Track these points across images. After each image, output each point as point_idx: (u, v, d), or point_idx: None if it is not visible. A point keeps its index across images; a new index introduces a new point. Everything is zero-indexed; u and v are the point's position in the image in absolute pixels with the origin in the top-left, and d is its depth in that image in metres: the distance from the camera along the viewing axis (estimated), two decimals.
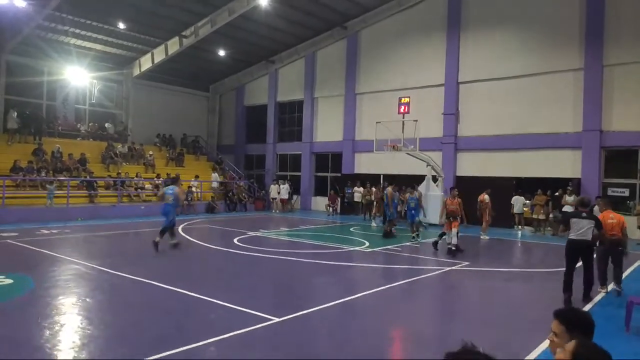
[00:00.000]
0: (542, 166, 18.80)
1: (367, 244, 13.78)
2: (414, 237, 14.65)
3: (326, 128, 26.10)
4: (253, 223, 18.90)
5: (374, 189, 20.25)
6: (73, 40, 22.24)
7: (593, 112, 17.64)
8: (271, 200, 25.17)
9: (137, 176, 22.35)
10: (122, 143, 24.53)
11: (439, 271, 10.21)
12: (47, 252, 10.94)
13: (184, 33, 22.95)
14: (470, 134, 20.74)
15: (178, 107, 28.76)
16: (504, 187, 18.52)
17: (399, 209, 16.83)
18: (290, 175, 27.64)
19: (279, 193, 24.74)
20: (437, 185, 19.27)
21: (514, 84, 19.63)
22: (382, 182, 22.13)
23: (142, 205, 20.84)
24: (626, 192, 17.27)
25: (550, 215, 17.49)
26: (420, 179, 18.99)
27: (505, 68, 19.70)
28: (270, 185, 25.85)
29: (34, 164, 19.31)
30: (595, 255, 8.28)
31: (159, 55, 24.61)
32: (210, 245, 12.77)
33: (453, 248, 11.98)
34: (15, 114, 20.98)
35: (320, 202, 25.78)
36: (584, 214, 7.94)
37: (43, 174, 19.02)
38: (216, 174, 24.78)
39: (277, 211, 24.41)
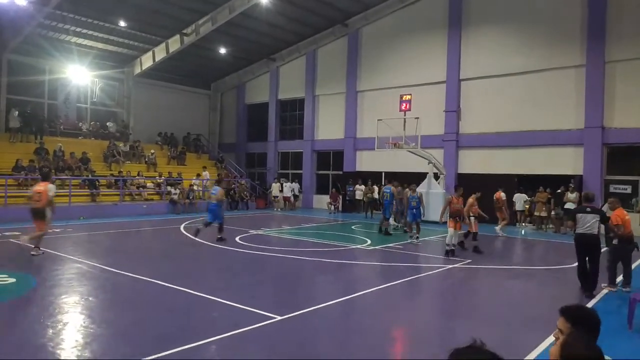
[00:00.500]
0: (543, 163, 18.77)
1: (369, 242, 13.78)
2: (411, 237, 14.08)
3: (327, 126, 26.08)
4: (255, 221, 18.91)
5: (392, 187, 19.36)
6: (74, 39, 22.25)
7: (595, 109, 17.59)
8: (273, 198, 25.18)
9: (138, 175, 22.38)
10: (123, 142, 24.55)
11: (441, 269, 10.20)
12: (49, 251, 10.95)
13: (184, 31, 22.94)
14: (471, 132, 20.71)
15: (179, 106, 28.76)
16: (505, 185, 18.47)
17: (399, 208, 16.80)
18: (292, 174, 27.65)
19: (280, 191, 24.76)
20: (438, 183, 19.26)
21: (515, 81, 19.58)
22: (383, 179, 22.11)
23: (144, 204, 20.87)
24: (628, 189, 17.24)
25: (553, 213, 17.48)
26: (422, 176, 18.98)
27: (506, 65, 19.64)
28: (272, 183, 25.85)
29: (35, 163, 19.34)
30: (608, 254, 8.28)
31: (160, 53, 24.61)
32: (212, 244, 12.78)
33: (452, 248, 11.46)
34: (17, 113, 21.00)
35: (321, 200, 25.78)
36: (588, 209, 8.08)
37: None
38: (207, 172, 24.57)
39: (279, 209, 24.42)
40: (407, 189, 15.53)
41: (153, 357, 4.80)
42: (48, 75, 23.37)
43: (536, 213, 17.99)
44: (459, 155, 21.13)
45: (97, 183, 20.41)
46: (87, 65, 23.86)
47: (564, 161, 18.39)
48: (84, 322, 5.98)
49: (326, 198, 24.92)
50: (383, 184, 20.04)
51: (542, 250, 14.15)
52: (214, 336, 5.46)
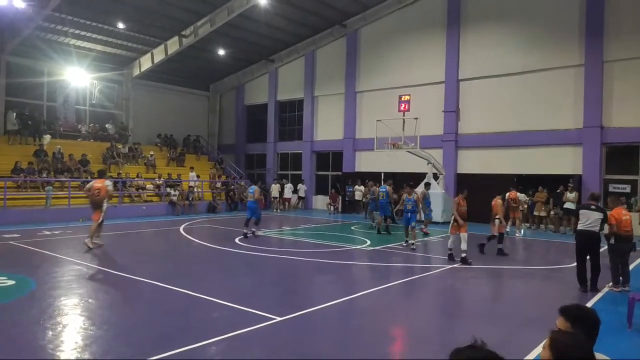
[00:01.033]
0: (542, 163, 18.78)
1: (369, 242, 13.79)
2: (406, 242, 12.98)
3: (327, 127, 26.09)
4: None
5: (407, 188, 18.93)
6: (73, 41, 22.23)
7: (593, 108, 17.61)
8: (272, 199, 25.19)
9: (137, 176, 22.36)
10: (122, 143, 24.54)
11: (441, 269, 10.20)
12: (48, 253, 10.95)
13: (183, 32, 22.94)
14: (470, 132, 20.73)
15: (178, 107, 28.75)
16: (504, 185, 18.48)
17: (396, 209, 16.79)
18: (291, 174, 27.65)
19: (279, 192, 24.77)
20: (438, 183, 19.26)
21: (514, 80, 19.60)
22: (382, 180, 22.11)
23: (143, 206, 20.85)
24: (627, 189, 17.25)
25: (552, 212, 17.49)
26: (421, 176, 18.98)
27: (505, 65, 19.66)
28: (271, 184, 25.86)
29: (34, 165, 19.33)
30: (608, 254, 8.33)
31: (159, 55, 24.61)
32: (212, 245, 12.78)
33: (464, 255, 10.63)
34: (15, 114, 20.98)
35: (321, 201, 25.79)
36: (593, 207, 8.26)
37: (44, 175, 19.04)
38: (194, 174, 24.37)
39: (278, 210, 24.42)
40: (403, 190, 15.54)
41: (153, 358, 4.80)
42: (47, 77, 23.34)
43: (535, 213, 18.00)
44: (458, 155, 21.15)
45: None
46: (85, 67, 23.85)
47: (563, 161, 18.40)
48: (84, 324, 5.98)
49: (326, 199, 24.93)
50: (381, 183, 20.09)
51: (542, 249, 14.15)
52: (214, 337, 5.46)
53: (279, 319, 6.22)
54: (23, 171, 18.55)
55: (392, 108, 19.75)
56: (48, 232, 14.48)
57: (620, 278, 8.36)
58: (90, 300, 7.20)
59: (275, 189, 24.95)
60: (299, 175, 27.03)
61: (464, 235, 10.64)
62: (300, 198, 25.75)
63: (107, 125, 25.25)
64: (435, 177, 19.43)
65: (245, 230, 14.22)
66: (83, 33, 21.66)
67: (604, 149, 17.76)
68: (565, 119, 18.37)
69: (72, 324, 5.99)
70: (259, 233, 14.67)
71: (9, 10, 18.07)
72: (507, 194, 15.65)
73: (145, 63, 25.46)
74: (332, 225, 18.61)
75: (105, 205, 11.52)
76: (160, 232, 16.15)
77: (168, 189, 21.98)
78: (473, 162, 20.65)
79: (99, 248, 11.42)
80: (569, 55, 18.29)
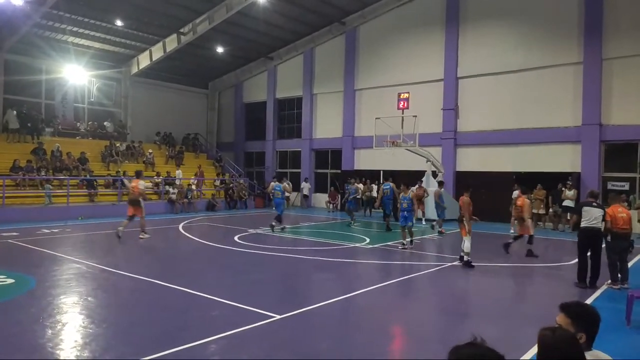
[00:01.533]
0: (541, 161, 18.79)
1: (368, 240, 13.80)
2: (404, 244, 12.34)
3: (326, 124, 26.08)
4: (253, 221, 18.90)
5: (416, 186, 17.59)
6: (71, 39, 22.19)
7: (592, 106, 17.62)
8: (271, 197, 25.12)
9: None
10: (121, 141, 24.50)
11: (440, 267, 10.21)
12: (48, 251, 10.94)
13: (182, 30, 22.89)
14: (469, 129, 20.72)
15: (177, 105, 28.71)
16: (503, 183, 18.52)
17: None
18: (290, 172, 27.64)
19: None
20: (437, 181, 19.24)
21: (513, 78, 19.59)
22: (381, 178, 22.15)
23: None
24: (626, 186, 17.26)
25: (550, 210, 17.51)
26: (420, 174, 18.99)
27: (504, 62, 19.66)
28: (270, 182, 25.79)
29: (33, 163, 19.30)
30: (605, 250, 8.37)
31: (157, 52, 24.55)
32: (211, 243, 12.78)
33: (468, 259, 10.12)
34: (15, 112, 20.95)
35: (320, 199, 25.79)
36: (594, 203, 8.38)
37: (43, 173, 19.02)
38: (180, 171, 24.19)
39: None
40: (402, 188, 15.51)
41: (152, 356, 4.80)
42: (45, 75, 23.30)
43: (534, 210, 17.98)
44: (457, 153, 21.15)
45: (95, 183, 20.38)
46: (84, 65, 23.81)
47: (562, 158, 18.42)
48: (83, 322, 5.98)
49: (325, 197, 24.93)
50: (381, 182, 20.13)
51: (541, 247, 14.14)
52: (213, 335, 5.46)
53: (278, 317, 6.23)
54: (22, 169, 18.53)
55: (391, 106, 19.75)
56: (47, 231, 14.47)
57: (619, 275, 8.38)
58: (89, 299, 7.20)
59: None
60: (298, 174, 27.02)
61: (468, 237, 10.18)
62: (305, 196, 25.63)
63: (105, 123, 25.21)
64: (434, 175, 19.43)
65: (281, 226, 15.43)
66: (81, 30, 21.61)
67: (602, 146, 17.77)
68: (564, 116, 18.38)
69: (71, 323, 5.99)
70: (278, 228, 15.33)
71: (7, 7, 18.01)
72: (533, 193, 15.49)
73: (144, 61, 25.40)
74: (331, 223, 18.61)
75: (142, 202, 13.12)
76: (159, 230, 16.13)
77: (167, 187, 21.96)
78: (472, 160, 20.66)
79: (144, 239, 12.88)
80: (567, 52, 18.28)
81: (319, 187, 26.75)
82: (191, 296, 7.29)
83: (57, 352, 5.00)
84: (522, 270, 10.27)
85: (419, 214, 17.37)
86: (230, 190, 24.56)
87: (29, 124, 21.32)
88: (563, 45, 18.41)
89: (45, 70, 23.20)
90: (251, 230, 15.40)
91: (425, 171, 19.20)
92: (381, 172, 22.71)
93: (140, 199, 13.05)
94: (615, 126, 17.37)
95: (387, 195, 16.00)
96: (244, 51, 27.10)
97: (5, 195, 17.10)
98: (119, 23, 21.36)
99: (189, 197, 22.19)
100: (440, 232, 15.45)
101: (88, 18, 20.60)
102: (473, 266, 9.94)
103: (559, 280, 9.32)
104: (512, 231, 15.70)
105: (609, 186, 17.31)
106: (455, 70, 21.05)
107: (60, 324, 5.92)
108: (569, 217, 16.38)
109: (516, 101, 19.43)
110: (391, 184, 16.36)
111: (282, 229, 15.38)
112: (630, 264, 10.31)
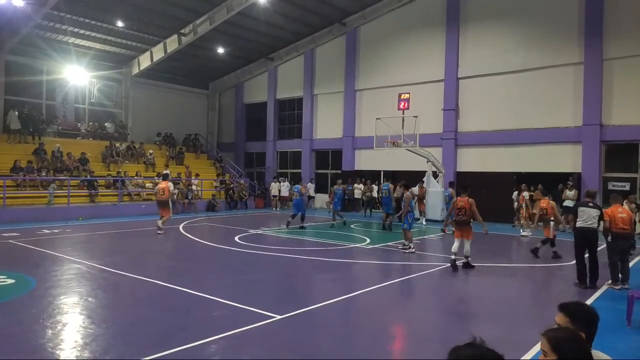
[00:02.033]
0: (542, 161, 18.79)
1: (368, 240, 13.79)
2: (404, 245, 12.12)
3: (326, 125, 26.08)
4: (254, 221, 18.90)
5: (418, 187, 17.63)
6: (72, 39, 22.21)
7: (593, 106, 17.61)
8: (271, 198, 25.18)
9: (137, 175, 22.35)
10: (121, 142, 24.52)
11: (440, 267, 10.20)
12: (48, 251, 10.95)
13: (182, 31, 22.91)
14: (470, 130, 20.72)
15: (177, 105, 28.72)
16: (504, 183, 18.54)
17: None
18: (291, 173, 27.64)
19: (279, 191, 24.75)
20: (437, 182, 19.27)
21: (513, 78, 19.59)
22: (382, 178, 22.15)
23: (142, 204, 20.85)
24: (627, 187, 17.25)
25: None
26: (420, 175, 18.99)
27: (504, 63, 19.65)
28: (271, 182, 25.84)
29: (34, 164, 19.32)
30: (606, 250, 8.36)
31: (158, 53, 24.57)
32: (212, 244, 12.78)
33: (469, 259, 9.96)
34: (17, 113, 20.97)
35: (320, 199, 25.78)
36: (590, 204, 8.34)
37: (43, 173, 19.03)
38: (168, 171, 23.84)
39: (278, 209, 24.41)
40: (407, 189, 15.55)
41: (152, 356, 4.81)
42: (46, 76, 23.31)
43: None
44: (457, 153, 21.14)
45: (96, 183, 20.39)
46: (85, 66, 23.82)
47: (563, 159, 18.41)
48: (83, 323, 5.98)
49: (325, 197, 24.90)
50: (382, 182, 20.14)
51: (542, 247, 14.12)
52: (214, 336, 5.46)
53: (278, 317, 6.23)
54: (22, 170, 18.54)
55: (391, 106, 19.75)
56: (47, 231, 14.48)
57: (620, 276, 8.37)
58: (89, 299, 7.20)
59: (275, 188, 24.93)
60: (299, 174, 27.02)
61: (467, 240, 9.93)
62: (310, 197, 25.48)
63: (106, 124, 25.23)
64: (435, 175, 19.43)
65: (301, 224, 16.31)
66: (82, 31, 21.63)
67: (603, 146, 17.77)
68: (564, 116, 18.37)
69: (71, 323, 5.99)
70: (304, 225, 16.29)
71: (8, 8, 18.03)
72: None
73: (145, 61, 25.42)
74: (331, 223, 18.57)
75: (170, 203, 14.39)
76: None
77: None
78: (472, 160, 20.65)
79: (161, 233, 13.94)
80: (568, 53, 18.28)
81: (320, 187, 26.73)
82: (192, 296, 7.30)
83: (58, 352, 5.01)
84: (522, 270, 10.26)
85: (418, 214, 17.37)
86: (231, 191, 24.57)
87: (29, 125, 21.34)
88: (564, 45, 18.41)
89: (46, 71, 23.22)
90: (252, 231, 15.40)
91: (426, 171, 19.20)
92: (381, 172, 22.70)
93: (169, 201, 14.17)
94: (615, 126, 17.37)
95: (386, 196, 16.27)
96: (245, 52, 27.12)
97: (6, 195, 17.11)
98: (119, 24, 21.37)
99: (190, 197, 22.20)
100: (442, 231, 15.50)
101: (89, 19, 20.62)
102: (473, 266, 9.94)
103: (559, 281, 9.31)
104: (522, 232, 15.67)
105: (610, 186, 17.31)
106: (455, 71, 21.05)
107: (60, 324, 5.93)
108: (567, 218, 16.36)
109: (517, 101, 19.42)
110: (390, 184, 16.53)
111: (302, 227, 16.19)
112: (631, 264, 10.32)
